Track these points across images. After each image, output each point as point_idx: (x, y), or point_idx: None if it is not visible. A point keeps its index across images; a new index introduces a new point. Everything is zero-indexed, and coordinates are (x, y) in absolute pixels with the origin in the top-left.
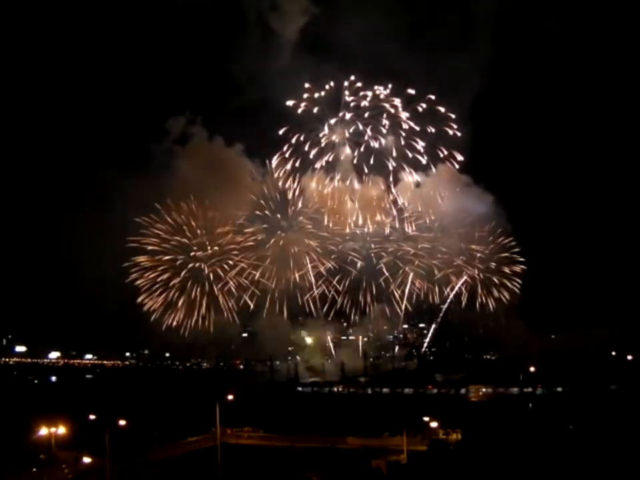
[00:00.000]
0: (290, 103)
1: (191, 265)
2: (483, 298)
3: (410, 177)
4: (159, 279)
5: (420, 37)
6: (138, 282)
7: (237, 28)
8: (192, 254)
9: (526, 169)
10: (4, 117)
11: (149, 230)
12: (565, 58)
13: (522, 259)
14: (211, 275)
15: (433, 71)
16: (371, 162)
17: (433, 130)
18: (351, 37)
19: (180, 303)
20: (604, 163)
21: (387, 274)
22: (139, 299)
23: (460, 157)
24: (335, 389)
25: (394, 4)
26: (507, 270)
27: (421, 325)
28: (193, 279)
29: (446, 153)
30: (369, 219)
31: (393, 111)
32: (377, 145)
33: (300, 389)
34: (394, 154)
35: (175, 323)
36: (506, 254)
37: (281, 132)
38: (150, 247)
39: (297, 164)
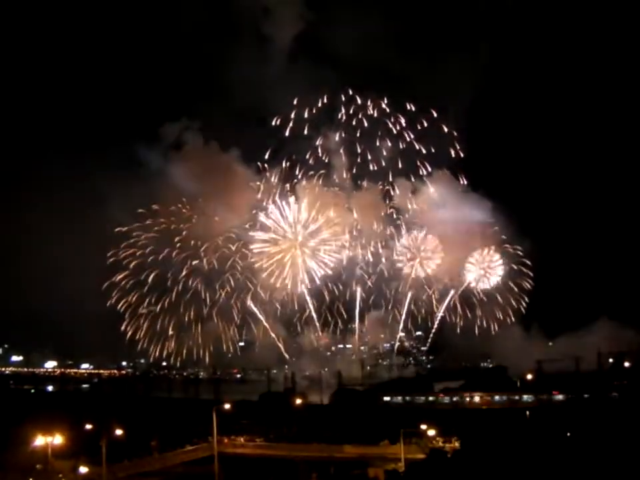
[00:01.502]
0: (285, 116)
1: (183, 280)
2: (484, 321)
3: (408, 187)
4: (146, 302)
5: (416, 44)
6: (121, 305)
7: (233, 34)
8: (185, 268)
9: (521, 173)
10: None
11: (139, 240)
12: (558, 66)
13: (530, 273)
14: (207, 298)
15: (430, 78)
16: (370, 170)
17: (433, 149)
18: (347, 45)
19: (170, 331)
20: (600, 166)
21: (384, 283)
22: (123, 326)
23: (464, 181)
24: (446, 398)
25: (390, 11)
26: (512, 285)
27: (418, 333)
28: (185, 300)
29: (448, 173)
30: (367, 246)
31: (390, 125)
32: (375, 165)
33: (387, 398)
34: (390, 175)
35: (164, 354)
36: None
37: (279, 145)
38: (136, 262)
39: (293, 175)
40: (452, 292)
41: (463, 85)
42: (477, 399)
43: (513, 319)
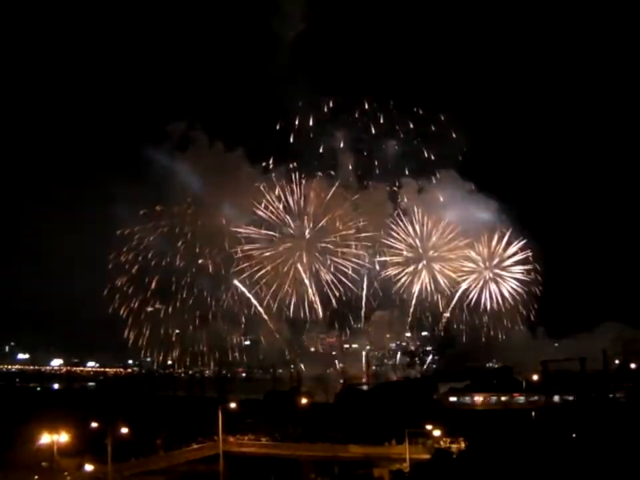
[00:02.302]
0: (291, 116)
1: (188, 281)
2: (491, 329)
3: (414, 188)
4: (150, 303)
5: (421, 46)
6: (124, 309)
7: (239, 33)
8: (190, 269)
9: (526, 176)
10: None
11: (142, 242)
12: (562, 66)
13: (539, 278)
14: (213, 298)
15: (436, 79)
16: (376, 171)
17: (439, 151)
18: (352, 46)
19: (175, 332)
20: (605, 169)
21: (391, 283)
22: (126, 333)
23: (471, 182)
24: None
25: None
26: (522, 292)
27: (424, 334)
28: (190, 301)
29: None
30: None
31: (397, 127)
32: (381, 166)
33: (454, 399)
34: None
35: (169, 359)
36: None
37: (285, 144)
38: (140, 263)
39: (299, 174)
40: (458, 293)
41: (468, 87)
42: (481, 399)
43: (521, 326)
